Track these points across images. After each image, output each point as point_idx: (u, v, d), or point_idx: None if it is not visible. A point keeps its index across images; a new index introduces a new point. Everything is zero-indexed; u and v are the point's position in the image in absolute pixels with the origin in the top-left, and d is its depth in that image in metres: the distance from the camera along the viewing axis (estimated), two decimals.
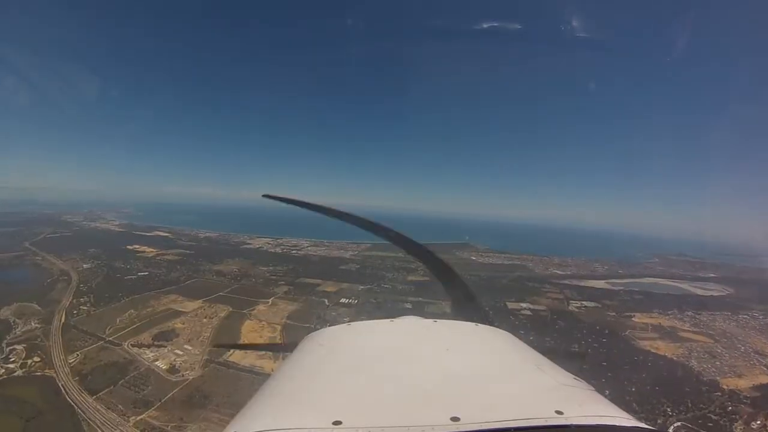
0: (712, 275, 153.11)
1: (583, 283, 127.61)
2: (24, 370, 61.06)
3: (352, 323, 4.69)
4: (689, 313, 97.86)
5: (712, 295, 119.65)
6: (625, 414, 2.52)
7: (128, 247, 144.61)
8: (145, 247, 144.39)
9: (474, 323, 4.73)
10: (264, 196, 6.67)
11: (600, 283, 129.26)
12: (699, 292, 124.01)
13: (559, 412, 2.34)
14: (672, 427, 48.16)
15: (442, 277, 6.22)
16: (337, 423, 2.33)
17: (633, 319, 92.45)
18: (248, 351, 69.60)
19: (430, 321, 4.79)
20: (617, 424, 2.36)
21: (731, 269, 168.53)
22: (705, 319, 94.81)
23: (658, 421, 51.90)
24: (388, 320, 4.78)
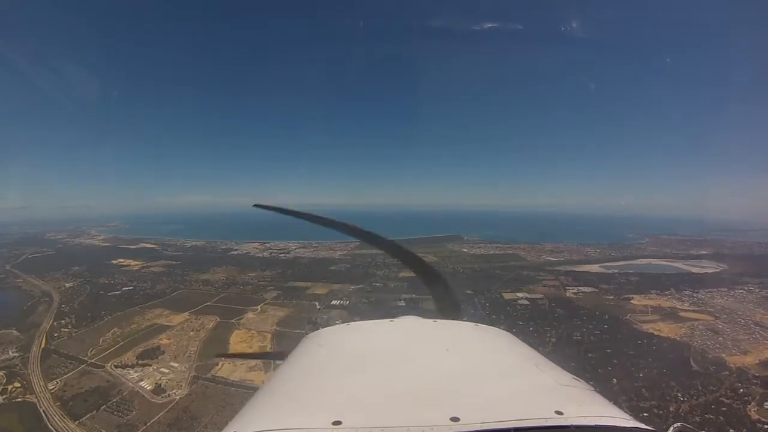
0: (704, 252, 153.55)
1: (577, 269, 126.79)
2: (4, 396, 58.08)
3: (351, 323, 4.64)
4: (687, 292, 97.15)
5: (707, 272, 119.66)
6: (624, 414, 2.49)
7: (113, 261, 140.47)
8: (130, 261, 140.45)
9: (474, 323, 4.68)
10: (255, 206, 6.74)
11: (594, 268, 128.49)
12: (694, 270, 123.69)
13: (558, 413, 2.32)
14: (672, 427, 46.36)
15: (427, 279, 6.17)
16: (336, 423, 2.30)
17: (632, 301, 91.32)
18: (239, 362, 66.80)
19: (430, 321, 4.79)
20: (617, 425, 2.33)
21: (722, 245, 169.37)
22: (703, 296, 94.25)
23: (671, 408, 50.48)
24: (388, 320, 4.75)
